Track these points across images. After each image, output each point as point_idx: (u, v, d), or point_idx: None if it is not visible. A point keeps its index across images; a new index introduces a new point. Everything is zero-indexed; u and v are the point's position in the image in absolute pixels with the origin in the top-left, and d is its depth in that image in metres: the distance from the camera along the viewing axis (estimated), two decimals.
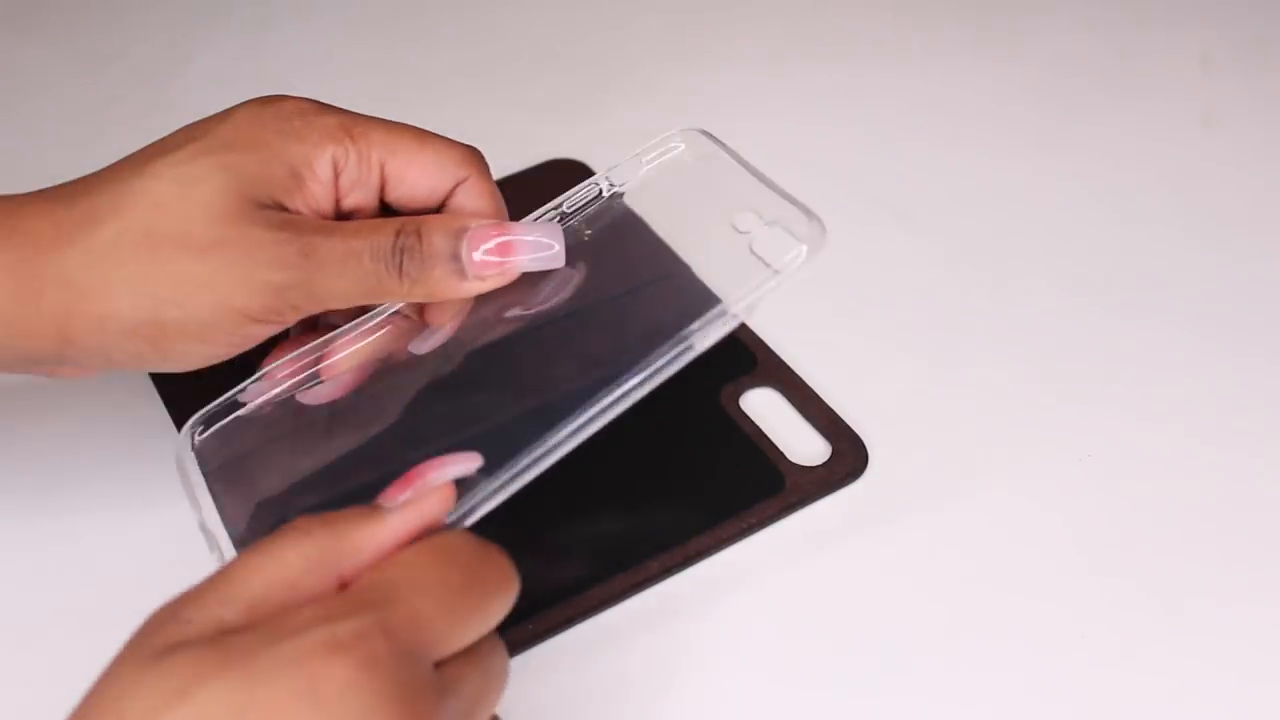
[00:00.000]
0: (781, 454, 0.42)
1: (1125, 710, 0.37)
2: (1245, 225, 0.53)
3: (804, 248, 0.36)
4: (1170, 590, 0.40)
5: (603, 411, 0.34)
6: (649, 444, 0.42)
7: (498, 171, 0.55)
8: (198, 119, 0.59)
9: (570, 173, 0.55)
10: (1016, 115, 0.59)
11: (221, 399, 0.37)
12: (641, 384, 0.34)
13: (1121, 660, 0.38)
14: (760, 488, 0.42)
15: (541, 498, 0.34)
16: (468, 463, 0.32)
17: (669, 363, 0.35)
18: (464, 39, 0.65)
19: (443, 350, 0.38)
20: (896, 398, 0.45)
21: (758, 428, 0.43)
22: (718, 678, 0.38)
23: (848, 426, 0.44)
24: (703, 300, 0.36)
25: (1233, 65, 0.61)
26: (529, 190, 0.54)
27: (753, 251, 0.37)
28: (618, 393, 0.34)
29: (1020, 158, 0.56)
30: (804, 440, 0.43)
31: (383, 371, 0.38)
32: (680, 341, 0.35)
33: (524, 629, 0.38)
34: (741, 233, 0.38)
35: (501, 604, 0.29)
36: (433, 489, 0.31)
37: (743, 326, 0.42)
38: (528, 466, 0.33)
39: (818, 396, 0.45)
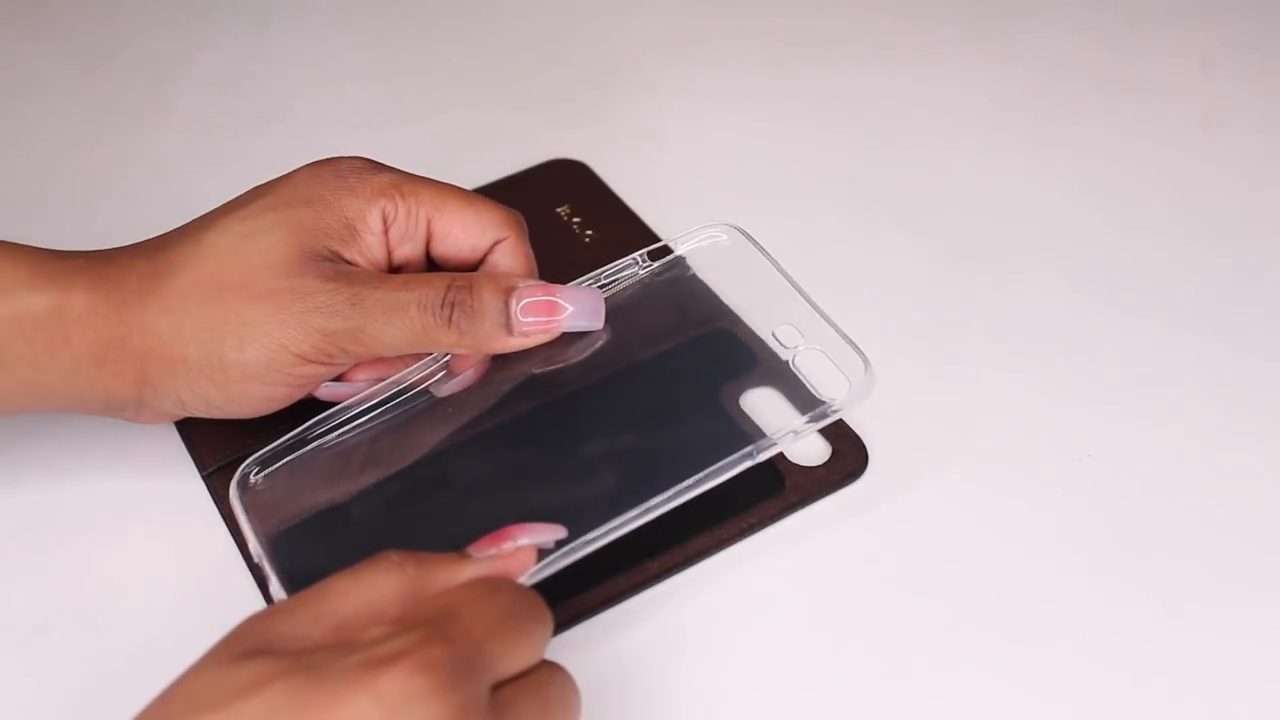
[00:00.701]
0: (781, 454, 0.43)
1: (1125, 710, 0.37)
2: (1244, 226, 0.53)
3: (847, 391, 0.40)
4: (1170, 590, 0.40)
5: (666, 502, 0.37)
6: (650, 443, 0.42)
7: (498, 171, 0.56)
8: (198, 119, 0.60)
9: (571, 172, 0.55)
10: (1016, 116, 0.59)
11: (271, 445, 0.39)
12: (704, 480, 0.38)
13: (1122, 660, 0.38)
14: (760, 488, 0.42)
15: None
16: (553, 533, 0.36)
17: (731, 464, 0.38)
18: (464, 39, 0.65)
19: (484, 390, 0.41)
20: (896, 398, 0.45)
21: (758, 427, 0.43)
22: (717, 677, 0.38)
23: (848, 427, 0.44)
24: (767, 396, 0.41)
25: (1232, 66, 0.61)
26: (531, 189, 0.54)
27: (794, 368, 0.41)
28: (684, 485, 0.38)
29: (1020, 158, 0.56)
30: (804, 440, 0.43)
31: (439, 421, 0.41)
32: (747, 450, 0.38)
33: None
34: (785, 346, 0.42)
35: (542, 632, 0.32)
36: (518, 549, 0.35)
37: (740, 324, 0.43)
38: (591, 542, 0.36)
39: None
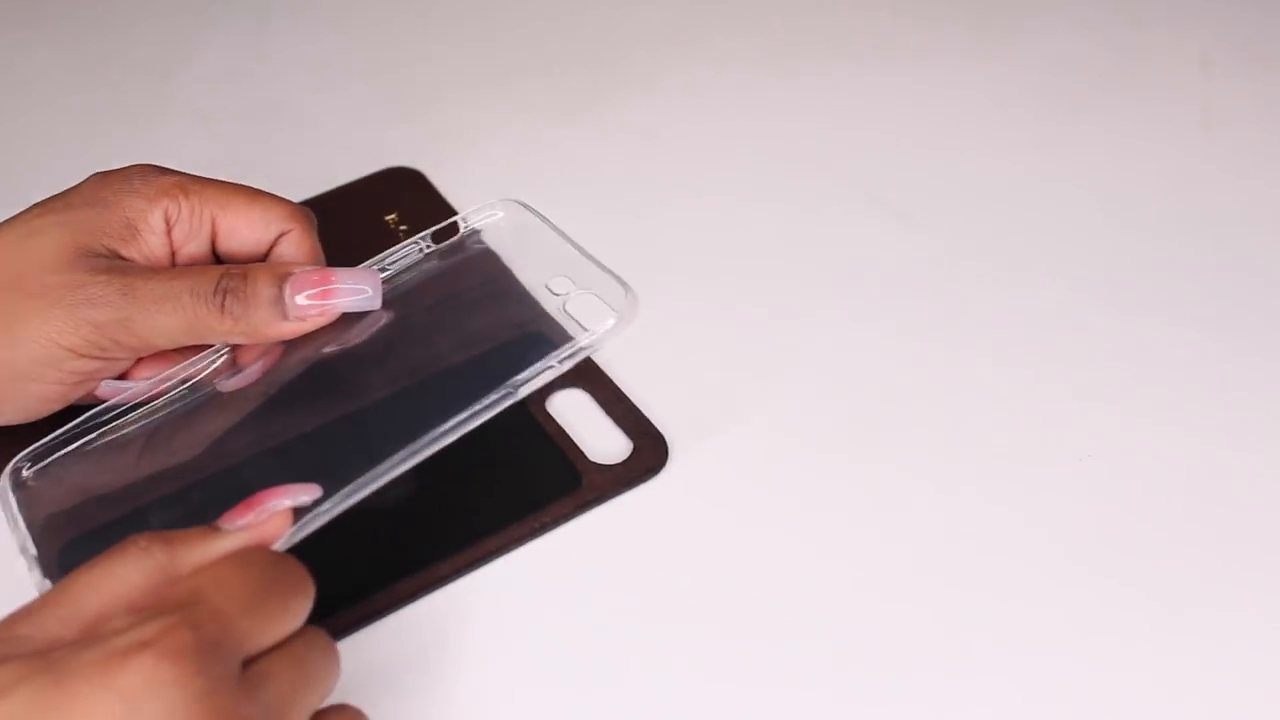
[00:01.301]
0: (581, 453, 0.43)
1: (1125, 711, 0.37)
2: (1244, 225, 0.53)
3: (614, 318, 0.40)
4: (1170, 590, 0.40)
5: (427, 446, 0.37)
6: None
7: (497, 169, 0.55)
8: (197, 118, 0.60)
9: (403, 180, 0.55)
10: (1016, 115, 0.59)
11: (47, 439, 0.39)
12: (465, 422, 0.38)
13: (1121, 661, 0.38)
14: (556, 486, 0.42)
15: None
16: (307, 494, 0.35)
17: (491, 405, 0.38)
18: (464, 39, 0.65)
19: (267, 379, 0.41)
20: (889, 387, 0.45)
21: (560, 427, 0.44)
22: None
23: (650, 424, 0.44)
24: (533, 348, 0.40)
25: (1233, 65, 0.61)
26: (361, 198, 0.53)
27: (566, 311, 0.41)
28: (442, 429, 0.38)
29: (1019, 158, 0.56)
30: (608, 439, 0.43)
31: (218, 410, 0.40)
32: (507, 387, 0.39)
33: None
34: (556, 294, 0.42)
35: (302, 603, 0.31)
36: (271, 515, 0.34)
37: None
38: (352, 494, 0.36)
39: (623, 395, 0.45)
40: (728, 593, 0.40)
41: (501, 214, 0.44)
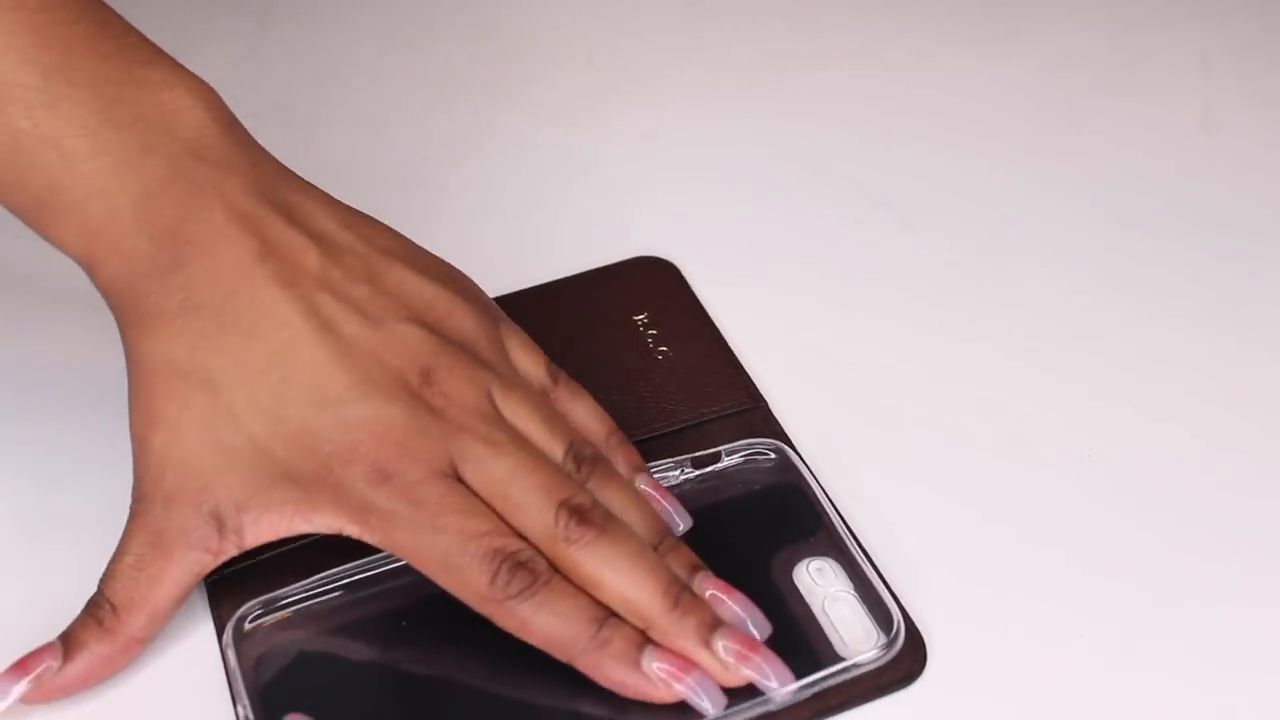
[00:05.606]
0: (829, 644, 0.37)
1: (1125, 711, 0.37)
2: (1245, 225, 0.53)
3: (880, 653, 0.36)
4: (1172, 589, 0.40)
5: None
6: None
7: (497, 170, 0.55)
8: None
9: (657, 273, 0.50)
10: (1015, 115, 0.59)
11: (274, 594, 0.37)
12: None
13: (1122, 660, 0.38)
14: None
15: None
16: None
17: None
18: (465, 39, 0.65)
19: None
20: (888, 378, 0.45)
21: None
22: None
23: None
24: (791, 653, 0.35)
25: (1233, 65, 0.61)
26: (612, 289, 0.49)
27: (825, 611, 0.37)
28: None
29: (1019, 157, 0.56)
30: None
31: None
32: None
33: None
34: (815, 583, 0.38)
35: None
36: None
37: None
38: None
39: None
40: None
41: (772, 455, 0.41)
